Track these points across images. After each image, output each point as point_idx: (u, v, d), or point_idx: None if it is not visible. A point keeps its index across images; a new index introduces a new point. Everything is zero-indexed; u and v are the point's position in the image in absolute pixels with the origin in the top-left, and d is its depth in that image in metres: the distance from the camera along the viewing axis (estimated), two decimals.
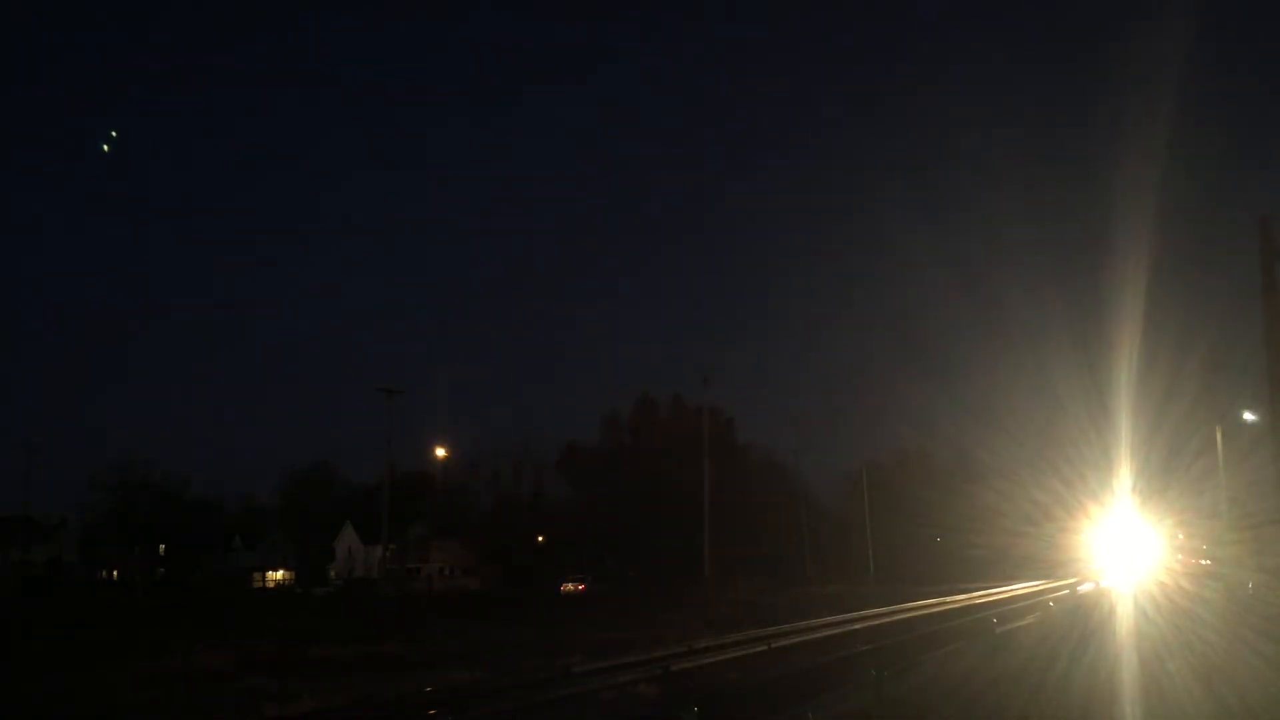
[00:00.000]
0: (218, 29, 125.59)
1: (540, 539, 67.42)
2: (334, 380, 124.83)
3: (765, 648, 20.35)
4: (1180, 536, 43.17)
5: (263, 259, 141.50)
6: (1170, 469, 37.54)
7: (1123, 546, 41.43)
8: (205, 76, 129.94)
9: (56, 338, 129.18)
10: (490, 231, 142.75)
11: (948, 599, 37.07)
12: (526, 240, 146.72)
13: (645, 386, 69.75)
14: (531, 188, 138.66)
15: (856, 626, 25.44)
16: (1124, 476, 37.04)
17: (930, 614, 30.43)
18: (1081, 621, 22.63)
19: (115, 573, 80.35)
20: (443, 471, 69.63)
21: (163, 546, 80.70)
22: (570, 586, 58.31)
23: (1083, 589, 35.53)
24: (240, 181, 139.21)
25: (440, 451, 62.85)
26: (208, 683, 17.40)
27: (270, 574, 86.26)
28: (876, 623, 26.76)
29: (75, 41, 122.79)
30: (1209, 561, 39.97)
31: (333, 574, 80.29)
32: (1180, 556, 42.10)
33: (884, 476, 67.14)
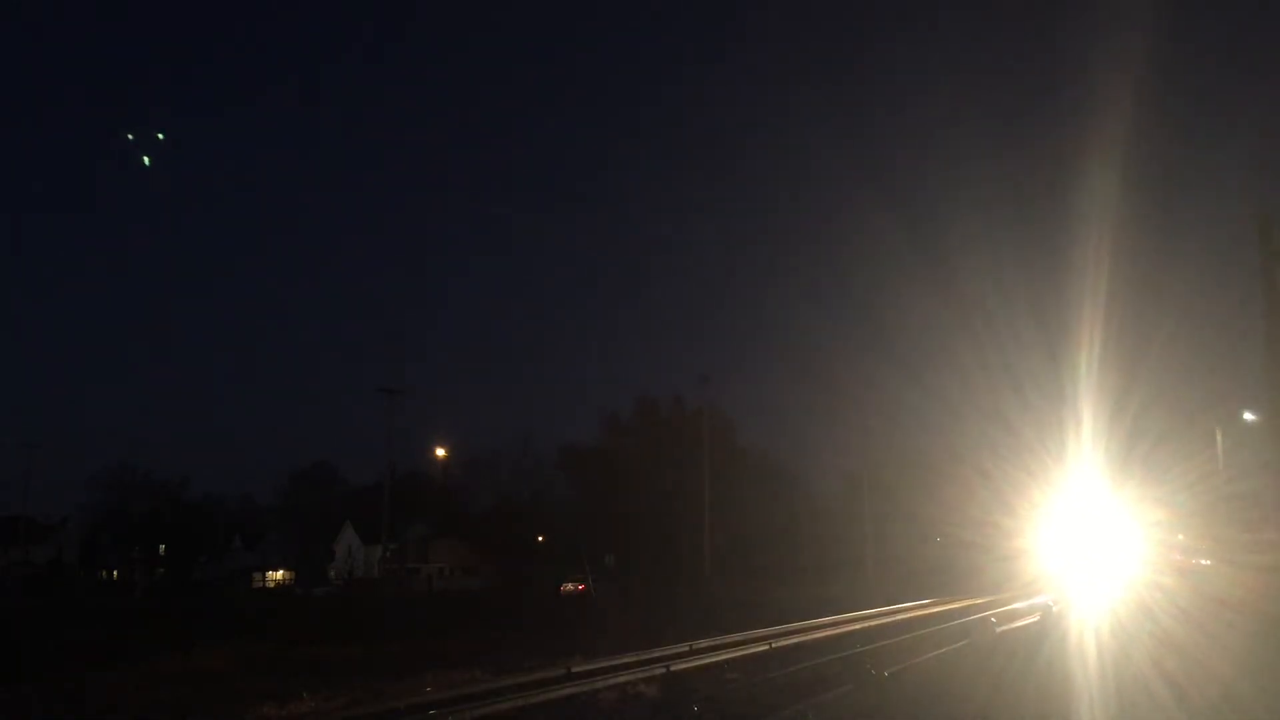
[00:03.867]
0: (211, 27, 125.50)
1: (540, 539, 67.38)
2: (334, 380, 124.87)
3: (766, 648, 20.35)
4: (1180, 537, 42.77)
5: (261, 258, 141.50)
6: (1131, 460, 37.03)
7: (1100, 544, 40.12)
8: (207, 77, 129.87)
9: (56, 338, 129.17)
10: (489, 231, 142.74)
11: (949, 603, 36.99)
12: (525, 240, 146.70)
13: (645, 387, 69.84)
14: (530, 188, 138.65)
15: (855, 628, 25.43)
16: (1089, 468, 36.12)
17: (929, 615, 30.39)
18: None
19: (115, 573, 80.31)
20: (443, 472, 69.61)
21: (162, 547, 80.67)
22: (570, 587, 58.24)
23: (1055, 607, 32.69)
24: (239, 181, 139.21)
25: (440, 452, 62.83)
26: (206, 683, 17.35)
27: (270, 574, 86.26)
28: (874, 624, 26.74)
29: (89, 42, 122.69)
30: (1209, 561, 39.55)
31: (332, 574, 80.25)
32: (1177, 556, 41.64)
33: (878, 477, 66.90)
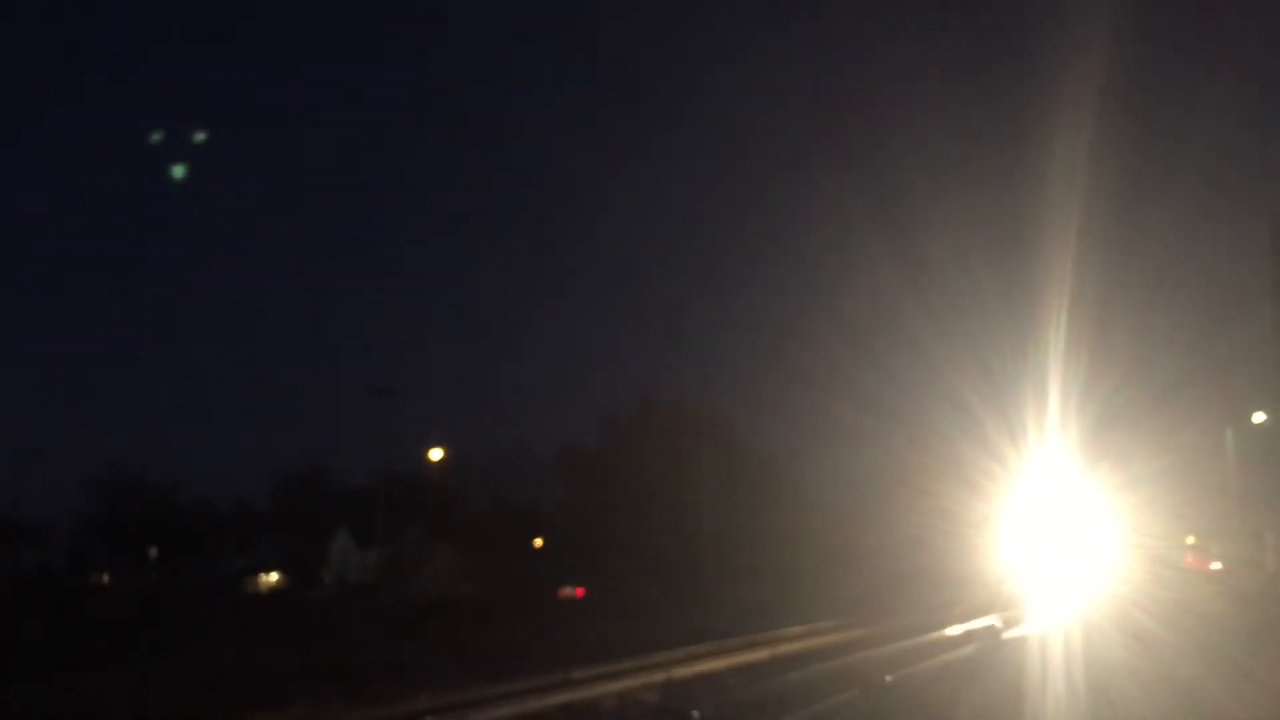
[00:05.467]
0: (205, 24, 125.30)
1: (538, 542, 67.13)
2: (328, 381, 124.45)
3: (767, 653, 20.12)
4: (1191, 539, 42.35)
5: (256, 258, 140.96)
6: (1104, 449, 35.54)
7: (1080, 544, 36.88)
8: (198, 73, 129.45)
9: (48, 340, 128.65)
10: (488, 232, 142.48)
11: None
12: (524, 241, 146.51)
13: (645, 389, 69.54)
14: (528, 188, 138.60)
15: (858, 633, 25.17)
16: (1063, 458, 33.96)
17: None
18: None
19: (106, 577, 79.88)
20: (439, 474, 69.31)
21: (154, 550, 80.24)
22: (568, 590, 58.00)
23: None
24: (234, 180, 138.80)
25: (437, 454, 62.47)
26: (197, 689, 17.08)
27: (263, 577, 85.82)
28: (878, 629, 26.46)
29: (79, 36, 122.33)
30: (1220, 565, 39.19)
31: (326, 579, 79.88)
32: (1189, 560, 41.12)
33: (867, 475, 66.38)
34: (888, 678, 15.65)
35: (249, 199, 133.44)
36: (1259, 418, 30.82)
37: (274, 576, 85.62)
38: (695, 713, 13.45)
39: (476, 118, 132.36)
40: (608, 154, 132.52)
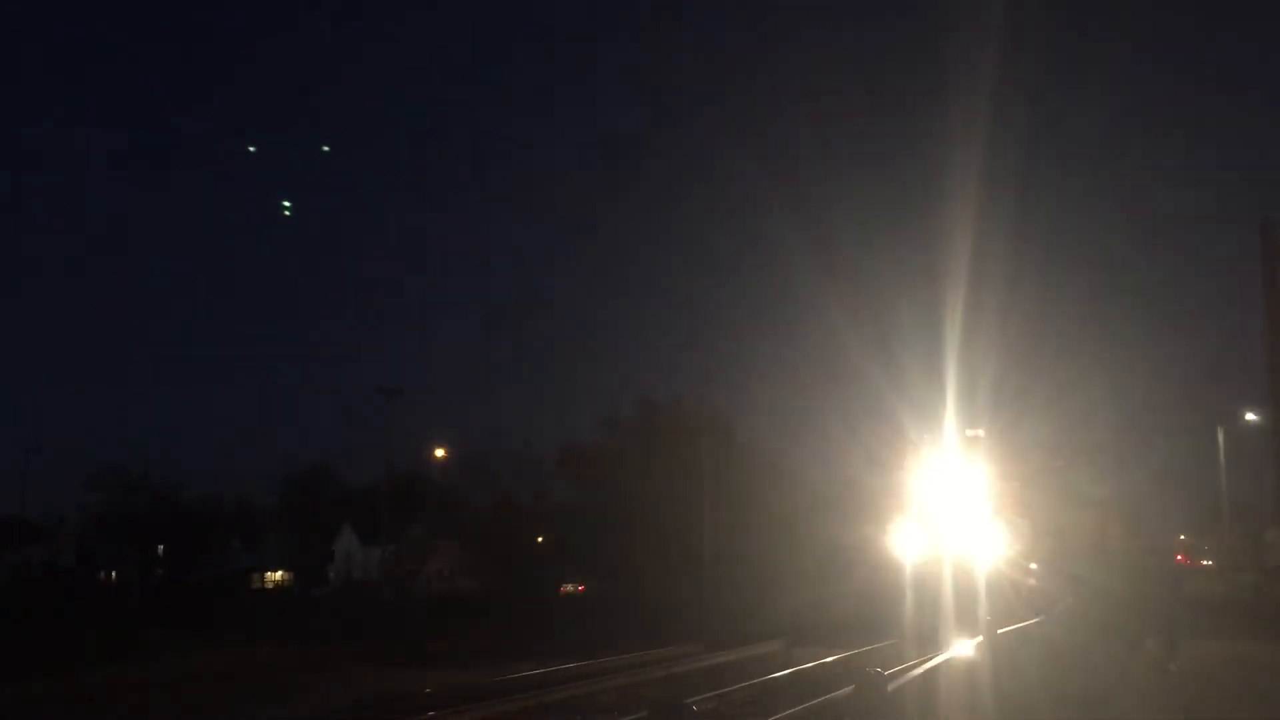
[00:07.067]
0: (209, 23, 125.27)
1: (539, 540, 67.35)
2: (332, 380, 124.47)
3: (765, 651, 20.34)
4: (1182, 538, 42.64)
5: (257, 258, 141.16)
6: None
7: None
8: (198, 72, 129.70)
9: (54, 338, 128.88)
10: (488, 231, 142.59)
11: None
12: (524, 240, 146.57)
13: (645, 387, 69.63)
14: (528, 188, 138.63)
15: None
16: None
17: None
18: None
19: (113, 574, 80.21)
20: (441, 472, 69.50)
21: (160, 547, 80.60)
22: (569, 587, 58.22)
23: None
24: (234, 178, 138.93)
25: (439, 452, 62.69)
26: (208, 684, 17.35)
27: (269, 575, 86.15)
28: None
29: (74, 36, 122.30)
30: (1210, 563, 39.48)
31: (331, 576, 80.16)
32: (1181, 557, 41.22)
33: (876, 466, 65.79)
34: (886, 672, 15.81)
35: (252, 201, 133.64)
36: (1251, 417, 30.82)
37: (279, 574, 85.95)
38: (695, 709, 13.56)
39: (479, 120, 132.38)
40: (608, 156, 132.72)
